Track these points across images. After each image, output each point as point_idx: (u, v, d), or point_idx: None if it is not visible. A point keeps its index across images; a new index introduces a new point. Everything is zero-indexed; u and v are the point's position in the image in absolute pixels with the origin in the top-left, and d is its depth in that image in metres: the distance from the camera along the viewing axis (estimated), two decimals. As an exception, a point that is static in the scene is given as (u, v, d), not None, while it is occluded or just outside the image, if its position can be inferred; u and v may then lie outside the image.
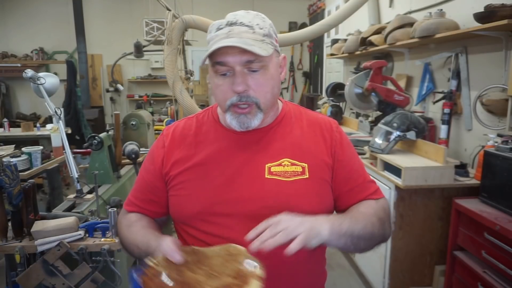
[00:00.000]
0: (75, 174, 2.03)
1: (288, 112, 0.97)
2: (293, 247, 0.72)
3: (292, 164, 0.89)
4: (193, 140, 0.94)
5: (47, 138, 3.59)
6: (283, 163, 0.89)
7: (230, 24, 0.82)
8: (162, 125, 3.77)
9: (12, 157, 2.49)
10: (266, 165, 0.88)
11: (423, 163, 2.19)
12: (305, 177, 0.88)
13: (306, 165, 0.89)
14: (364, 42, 3.57)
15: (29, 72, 2.05)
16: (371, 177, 1.01)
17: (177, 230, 0.96)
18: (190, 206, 0.88)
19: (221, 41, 0.79)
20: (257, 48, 0.79)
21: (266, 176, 0.87)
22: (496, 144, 1.91)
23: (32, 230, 1.51)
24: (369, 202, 0.94)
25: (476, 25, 2.08)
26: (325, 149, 0.93)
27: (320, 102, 4.75)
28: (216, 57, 0.82)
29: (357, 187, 0.95)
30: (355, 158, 0.99)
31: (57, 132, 2.76)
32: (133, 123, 3.09)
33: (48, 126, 4.02)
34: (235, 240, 0.84)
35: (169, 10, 3.02)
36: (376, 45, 3.30)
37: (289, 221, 0.75)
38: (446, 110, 2.48)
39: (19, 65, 6.60)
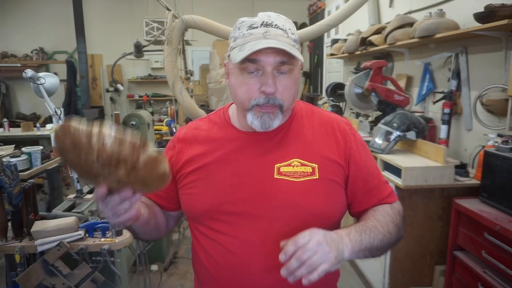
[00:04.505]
0: (75, 174, 2.03)
1: (299, 111, 0.97)
2: (312, 278, 0.72)
3: (302, 165, 0.88)
4: (204, 140, 0.95)
5: (47, 138, 3.59)
6: (292, 164, 0.88)
7: (266, 25, 0.83)
8: (162, 125, 3.77)
9: (12, 157, 2.49)
10: (276, 165, 0.88)
11: (423, 163, 2.19)
12: (314, 177, 0.88)
13: (316, 165, 0.88)
14: (364, 42, 3.57)
15: (29, 72, 2.05)
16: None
17: (191, 228, 0.98)
18: (199, 204, 0.90)
19: (261, 40, 0.80)
20: (294, 51, 0.81)
21: (275, 176, 0.87)
22: (496, 144, 1.91)
23: (32, 230, 1.51)
24: (385, 208, 0.94)
25: (476, 25, 2.08)
26: (337, 150, 0.92)
27: (320, 102, 4.75)
28: (250, 55, 0.81)
29: (373, 189, 0.95)
30: (370, 160, 0.98)
31: (57, 132, 2.75)
32: (133, 123, 3.09)
33: (48, 126, 4.01)
34: (244, 239, 0.86)
35: (169, 10, 3.03)
36: (376, 45, 3.30)
37: (316, 248, 0.73)
38: (446, 110, 2.48)
39: (19, 65, 6.60)
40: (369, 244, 0.84)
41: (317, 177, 0.88)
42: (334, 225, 0.92)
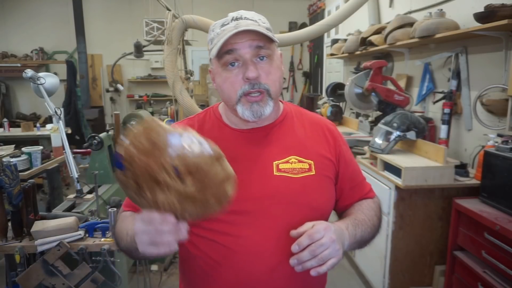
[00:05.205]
0: (75, 174, 2.03)
1: (289, 112, 0.99)
2: (321, 270, 0.76)
3: (299, 161, 0.90)
4: None
5: (47, 138, 3.59)
6: (290, 160, 0.90)
7: (236, 19, 0.85)
8: (162, 125, 3.77)
9: (12, 157, 2.49)
10: (274, 163, 0.89)
11: (423, 163, 2.19)
12: (312, 173, 0.90)
13: (312, 162, 0.91)
14: (364, 42, 3.57)
15: (29, 72, 2.05)
16: (367, 176, 1.07)
17: None
18: None
19: (233, 31, 0.82)
20: (267, 33, 0.83)
21: (274, 173, 0.88)
22: (496, 144, 1.91)
23: (32, 230, 1.51)
24: (369, 203, 1.01)
25: (476, 25, 2.08)
26: (329, 148, 0.96)
27: (320, 102, 4.75)
28: (225, 47, 0.83)
29: (358, 185, 1.02)
30: (353, 158, 1.04)
31: (57, 132, 2.76)
32: (133, 123, 3.09)
33: (48, 126, 4.03)
34: (246, 238, 0.86)
35: (169, 10, 3.02)
36: (376, 45, 3.30)
37: (329, 244, 0.76)
38: (446, 110, 2.48)
39: (19, 65, 6.59)
40: (360, 237, 0.89)
41: (314, 173, 0.90)
42: (327, 219, 0.95)
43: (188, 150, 0.65)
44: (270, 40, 0.85)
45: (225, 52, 0.84)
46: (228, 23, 0.85)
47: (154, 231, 0.70)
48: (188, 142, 0.66)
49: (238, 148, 0.91)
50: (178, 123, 1.00)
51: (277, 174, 0.88)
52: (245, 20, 0.85)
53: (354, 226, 0.88)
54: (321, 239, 0.76)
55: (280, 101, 0.99)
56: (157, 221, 0.70)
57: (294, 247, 0.76)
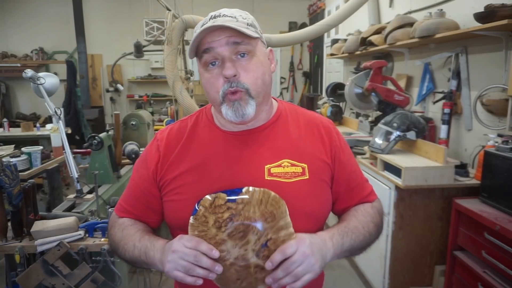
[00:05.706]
0: (75, 174, 2.03)
1: (283, 111, 0.95)
2: (296, 286, 0.75)
3: (292, 165, 0.87)
4: (188, 142, 0.91)
5: (47, 138, 3.59)
6: (283, 164, 0.86)
7: (214, 17, 0.83)
8: (162, 125, 3.77)
9: (12, 157, 2.49)
10: (266, 167, 0.86)
11: (423, 163, 2.19)
12: (305, 177, 0.87)
13: (305, 165, 0.87)
14: (364, 42, 3.57)
15: (29, 72, 2.05)
16: (367, 176, 1.03)
17: (173, 236, 0.92)
18: (188, 210, 0.83)
19: (203, 28, 0.80)
20: (243, 29, 0.80)
21: (266, 178, 0.85)
22: (496, 144, 1.91)
23: (32, 230, 1.51)
24: (366, 208, 0.96)
25: (476, 25, 2.08)
26: (324, 149, 0.92)
27: (320, 102, 4.75)
28: (202, 46, 0.82)
29: (356, 187, 0.97)
30: (353, 159, 0.99)
31: (57, 132, 2.76)
32: (133, 123, 3.09)
33: (48, 126, 4.03)
34: None
35: (169, 10, 3.02)
36: (376, 45, 3.30)
37: (302, 259, 0.75)
38: (446, 110, 2.48)
39: (19, 65, 6.60)
40: (350, 246, 0.86)
41: (308, 177, 0.87)
42: (322, 224, 0.93)
43: (281, 240, 0.77)
44: (250, 36, 0.81)
45: (203, 51, 0.82)
46: (206, 22, 0.82)
47: (194, 257, 0.73)
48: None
49: (228, 151, 0.88)
50: (172, 125, 0.97)
51: (268, 178, 0.84)
52: (223, 17, 0.82)
53: (341, 235, 0.85)
54: (293, 255, 0.75)
55: (274, 98, 0.96)
56: (204, 249, 0.73)
57: (268, 264, 0.75)
